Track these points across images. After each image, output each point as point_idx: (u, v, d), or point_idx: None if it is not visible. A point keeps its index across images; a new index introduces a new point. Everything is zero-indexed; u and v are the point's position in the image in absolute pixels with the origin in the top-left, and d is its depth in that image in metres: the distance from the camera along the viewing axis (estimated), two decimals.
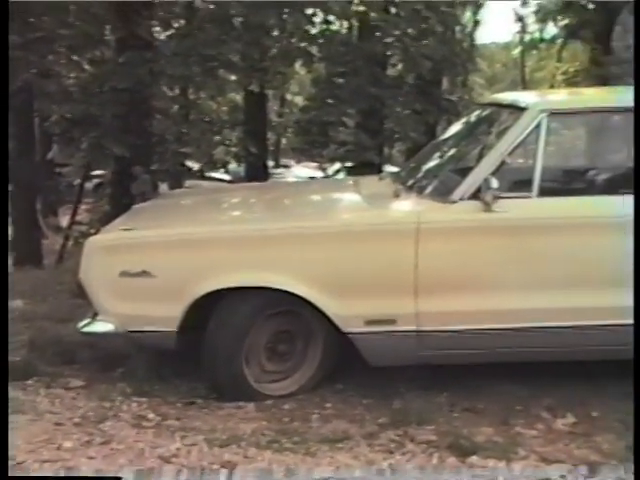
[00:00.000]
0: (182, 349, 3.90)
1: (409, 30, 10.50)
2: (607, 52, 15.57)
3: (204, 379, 3.98)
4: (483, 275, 3.70)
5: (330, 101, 12.58)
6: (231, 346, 3.80)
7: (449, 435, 3.41)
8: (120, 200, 8.75)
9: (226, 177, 18.31)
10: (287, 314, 3.89)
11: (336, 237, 3.75)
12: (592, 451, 3.32)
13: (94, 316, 3.95)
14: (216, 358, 3.83)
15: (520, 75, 25.89)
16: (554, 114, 3.83)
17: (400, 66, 12.59)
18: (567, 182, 4.11)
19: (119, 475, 3.03)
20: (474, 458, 3.19)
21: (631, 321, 3.63)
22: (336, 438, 3.42)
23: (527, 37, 23.32)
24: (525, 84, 24.98)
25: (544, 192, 3.71)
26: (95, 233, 5.29)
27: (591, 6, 15.84)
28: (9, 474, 2.87)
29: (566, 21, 17.29)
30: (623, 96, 4.29)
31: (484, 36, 27.30)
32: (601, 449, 3.34)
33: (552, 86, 18.47)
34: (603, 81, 13.83)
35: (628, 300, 3.62)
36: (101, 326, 3.91)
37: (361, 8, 9.97)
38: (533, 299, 3.68)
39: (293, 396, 3.92)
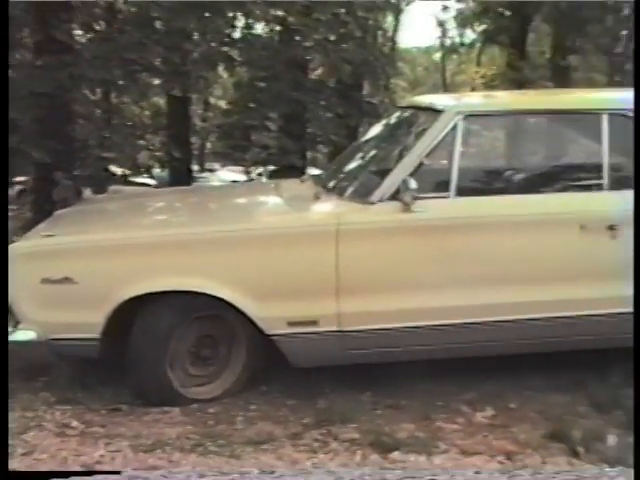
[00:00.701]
0: (106, 356, 3.86)
1: (329, 34, 10.58)
2: (522, 57, 16.00)
3: (129, 385, 3.94)
4: (403, 274, 3.77)
5: (252, 105, 12.58)
6: (155, 351, 3.77)
7: (372, 432, 3.47)
8: (42, 206, 8.54)
9: (150, 182, 18.08)
10: (211, 318, 3.88)
11: (257, 240, 3.77)
12: (509, 442, 3.43)
13: (16, 325, 3.87)
14: (140, 364, 3.80)
15: (441, 78, 26.32)
16: (470, 116, 3.94)
17: (321, 70, 12.68)
18: (484, 182, 4.20)
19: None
20: (396, 454, 3.26)
21: (547, 315, 3.78)
22: (261, 440, 3.44)
23: (448, 42, 23.74)
24: (446, 87, 25.42)
25: (461, 192, 3.81)
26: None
27: (507, 13, 16.25)
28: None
29: (484, 27, 17.69)
30: (537, 99, 4.46)
31: (406, 40, 27.73)
32: (518, 439, 3.46)
33: (472, 89, 18.87)
34: (519, 84, 14.21)
35: (544, 295, 3.77)
36: (23, 335, 3.83)
37: (280, 12, 9.98)
38: (452, 297, 3.77)
39: (218, 399, 3.91)
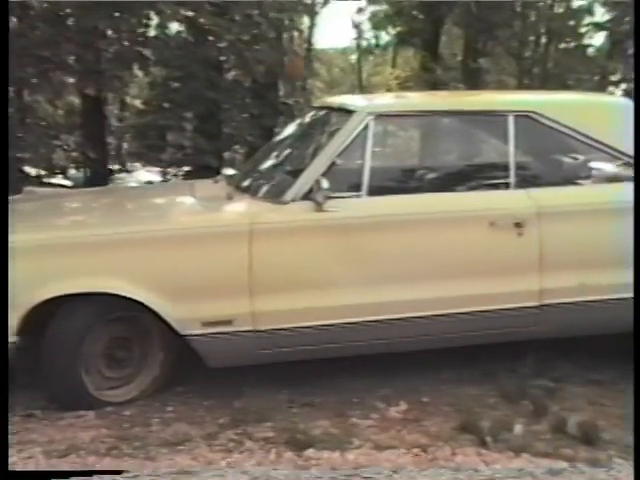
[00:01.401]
0: (22, 360, 3.77)
1: (242, 35, 10.57)
2: (435, 59, 16.30)
3: (43, 390, 3.87)
4: (317, 273, 3.81)
5: (167, 105, 12.45)
6: (68, 354, 3.71)
7: (287, 431, 3.50)
8: None
9: (66, 183, 17.66)
10: (126, 319, 3.85)
11: (171, 240, 3.75)
12: (421, 435, 3.51)
13: None
14: (54, 367, 3.73)
15: (358, 79, 26.54)
16: (381, 116, 4.01)
17: (235, 70, 12.65)
18: (396, 181, 4.28)
19: None
20: (310, 451, 3.29)
21: (459, 310, 3.88)
22: (176, 441, 3.43)
23: (363, 43, 23.97)
24: (362, 88, 25.63)
25: (373, 191, 3.87)
26: None
27: (420, 16, 16.52)
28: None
29: (397, 29, 17.94)
30: (447, 100, 4.55)
31: (323, 41, 27.85)
32: (430, 432, 3.54)
33: (388, 90, 19.09)
34: (432, 86, 14.46)
35: (456, 291, 3.88)
36: None
37: (190, 13, 9.92)
38: (365, 295, 3.82)
39: (134, 402, 3.87)
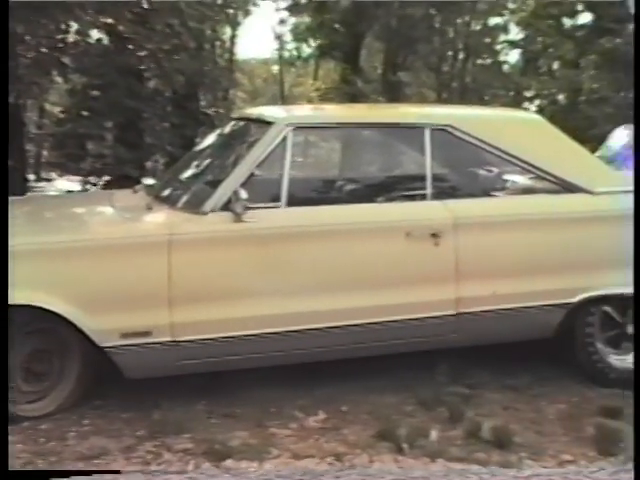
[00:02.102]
0: None
1: (162, 44, 10.49)
2: (356, 71, 16.50)
3: None
4: (236, 284, 3.80)
5: (86, 113, 12.24)
6: None
7: (205, 442, 3.49)
8: None
9: None
10: (43, 331, 3.76)
11: (89, 251, 3.69)
12: (340, 443, 3.54)
13: None
14: None
15: (280, 90, 26.61)
16: (299, 128, 4.04)
17: (155, 80, 12.54)
18: (315, 192, 4.33)
19: None
20: (229, 462, 3.29)
21: (378, 319, 3.93)
22: (93, 454, 3.38)
23: (286, 54, 24.06)
24: (284, 99, 25.71)
25: (292, 202, 3.90)
26: None
27: (341, 29, 16.69)
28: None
29: (319, 41, 18.08)
30: (365, 112, 4.62)
31: (245, 52, 27.84)
32: (348, 440, 3.58)
33: (309, 101, 19.21)
34: (353, 98, 14.62)
35: (375, 301, 3.93)
36: None
37: (110, 20, 9.79)
38: (285, 305, 3.84)
39: (51, 416, 3.79)
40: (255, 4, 17.09)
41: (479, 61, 21.05)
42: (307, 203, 4.01)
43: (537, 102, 21.03)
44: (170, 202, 4.10)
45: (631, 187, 4.47)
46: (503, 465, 3.31)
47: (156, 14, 10.35)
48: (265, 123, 4.11)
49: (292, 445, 3.52)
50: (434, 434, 3.63)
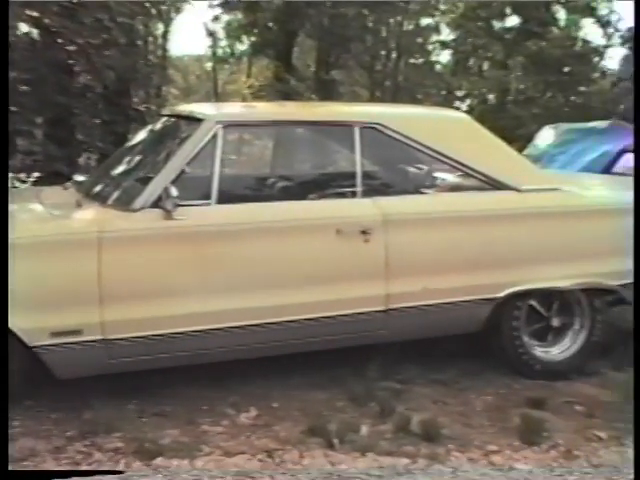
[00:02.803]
0: None
1: (92, 39, 10.29)
2: (289, 69, 16.52)
3: None
4: (167, 281, 3.78)
5: (15, 109, 11.92)
6: None
7: (136, 441, 3.47)
8: None
9: None
10: None
11: (17, 249, 3.61)
12: (271, 440, 3.57)
13: None
14: None
15: (213, 87, 26.43)
16: (230, 125, 4.04)
17: (85, 75, 12.30)
18: (246, 190, 4.33)
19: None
20: (159, 460, 3.28)
21: (309, 316, 3.96)
22: (21, 456, 3.34)
23: (219, 51, 23.91)
24: (218, 96, 25.56)
25: (223, 199, 3.89)
26: None
27: (274, 27, 16.70)
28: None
29: (252, 39, 18.05)
30: (296, 110, 4.63)
31: (178, 48, 27.59)
32: (279, 437, 3.60)
33: (243, 99, 19.16)
34: (286, 96, 14.63)
35: (305, 297, 3.96)
36: None
37: (36, 13, 9.55)
38: (216, 302, 3.83)
39: None
40: (186, 1, 16.92)
41: (411, 60, 21.34)
42: (238, 200, 4.01)
43: (468, 101, 21.44)
44: (100, 199, 4.05)
45: (556, 185, 4.63)
46: (431, 458, 3.37)
47: (84, 8, 10.15)
48: (195, 120, 4.10)
49: (223, 442, 3.53)
50: (364, 429, 3.68)
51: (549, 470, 3.30)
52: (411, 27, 20.59)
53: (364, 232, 4.02)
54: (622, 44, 19.06)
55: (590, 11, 19.34)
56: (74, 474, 3.10)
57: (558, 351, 4.58)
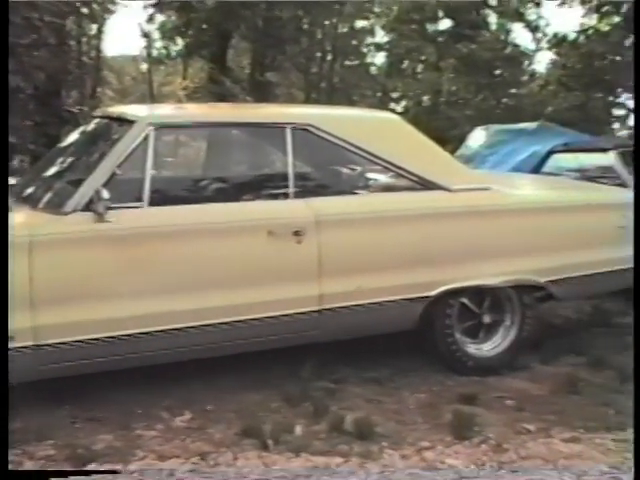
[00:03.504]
0: None
1: (20, 39, 10.08)
2: (224, 71, 16.45)
3: None
4: (99, 285, 3.73)
5: None
6: None
7: (68, 447, 3.43)
8: None
9: None
10: None
11: None
12: (205, 442, 3.56)
13: None
14: None
15: (149, 89, 26.14)
16: (161, 127, 4.01)
17: (15, 76, 12.04)
18: (178, 191, 4.28)
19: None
20: (92, 466, 3.25)
21: (242, 317, 3.95)
22: None
23: (154, 52, 23.65)
24: (153, 98, 25.30)
25: (155, 201, 3.86)
26: None
27: (209, 29, 16.59)
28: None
29: (186, 40, 17.91)
30: (228, 112, 4.60)
31: (113, 49, 27.16)
32: (213, 439, 3.60)
33: (179, 101, 18.99)
34: (221, 98, 14.57)
35: (239, 299, 3.95)
36: None
37: None
38: (149, 305, 3.80)
39: None
40: (115, 2, 16.64)
41: (347, 62, 21.48)
42: (170, 202, 3.98)
43: (403, 103, 21.68)
44: (31, 202, 3.98)
45: (486, 184, 4.72)
46: (364, 456, 3.41)
47: (12, 7, 9.93)
48: (127, 122, 4.07)
49: (158, 446, 3.50)
50: (298, 429, 3.70)
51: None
52: (346, 29, 20.73)
53: (297, 233, 4.04)
54: (549, 48, 19.56)
55: (519, 16, 19.75)
56: (74, 474, 3.09)
57: (490, 347, 4.68)
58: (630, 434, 3.67)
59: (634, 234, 4.41)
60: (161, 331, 3.84)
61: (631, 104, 18.07)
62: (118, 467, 3.23)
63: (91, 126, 4.84)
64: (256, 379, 4.30)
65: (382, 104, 19.16)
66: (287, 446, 3.49)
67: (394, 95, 21.96)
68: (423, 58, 20.96)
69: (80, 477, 3.13)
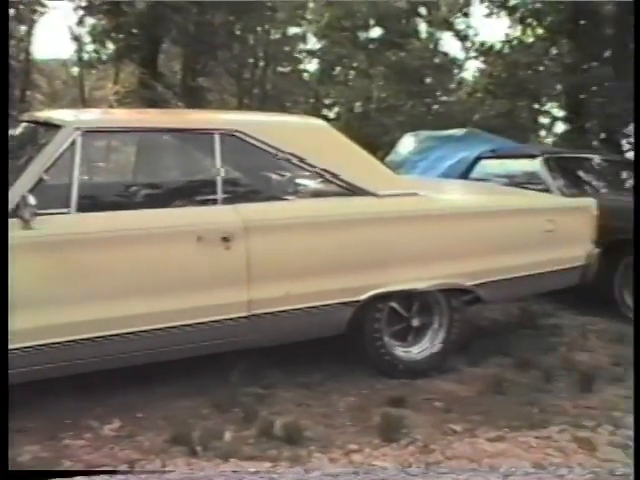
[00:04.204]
0: None
1: None
2: (155, 76, 16.29)
3: None
4: (26, 292, 3.64)
5: None
6: None
7: None
8: None
9: None
10: None
11: None
12: (134, 450, 3.53)
13: None
14: None
15: (80, 93, 25.71)
16: (89, 132, 3.97)
17: None
18: (106, 197, 4.25)
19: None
20: None
21: (172, 324, 3.94)
22: None
23: (85, 56, 23.28)
24: (85, 102, 24.89)
25: (82, 208, 3.82)
26: None
27: (139, 33, 16.39)
28: None
29: (117, 44, 17.66)
30: (156, 117, 4.56)
31: (43, 52, 26.59)
32: (142, 447, 3.57)
33: (111, 106, 18.72)
34: (152, 103, 14.43)
35: (169, 305, 3.94)
36: None
37: None
38: (75, 313, 3.75)
39: None
40: (43, 5, 16.33)
41: (279, 69, 21.50)
42: (98, 208, 3.95)
43: (335, 109, 21.82)
44: None
45: (413, 189, 4.81)
46: (293, 460, 3.43)
47: None
48: (54, 127, 4.02)
49: (86, 456, 3.46)
50: (228, 435, 3.70)
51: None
52: (278, 36, 20.76)
53: (225, 239, 4.05)
54: (476, 57, 19.94)
55: (448, 25, 20.08)
56: (74, 474, 3.08)
57: (418, 350, 4.76)
58: (552, 432, 3.80)
59: (634, 234, 4.52)
60: (89, 339, 3.80)
61: (556, 112, 18.65)
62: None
63: (18, 131, 4.77)
64: (187, 385, 4.28)
65: (315, 110, 19.24)
66: (216, 452, 3.49)
67: (326, 102, 22.09)
68: (354, 65, 21.13)
69: (80, 477, 3.14)
